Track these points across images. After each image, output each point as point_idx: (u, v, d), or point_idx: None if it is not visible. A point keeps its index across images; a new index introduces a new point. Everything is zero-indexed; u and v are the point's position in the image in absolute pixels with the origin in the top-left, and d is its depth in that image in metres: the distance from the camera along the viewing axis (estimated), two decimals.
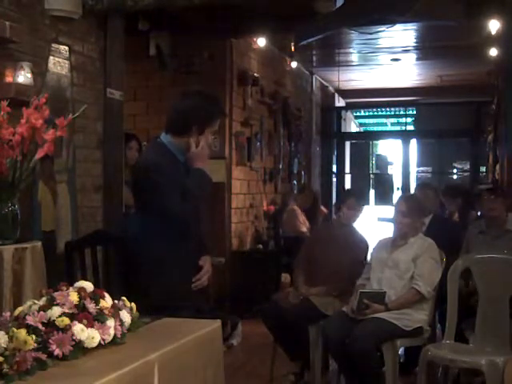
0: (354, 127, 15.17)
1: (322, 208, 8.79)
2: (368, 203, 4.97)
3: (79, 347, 2.12)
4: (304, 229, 7.60)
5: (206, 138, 3.38)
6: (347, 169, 13.43)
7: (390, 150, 16.29)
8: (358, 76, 11.68)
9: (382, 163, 16.29)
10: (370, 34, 8.38)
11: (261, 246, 8.10)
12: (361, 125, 16.01)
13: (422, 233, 4.67)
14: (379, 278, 4.41)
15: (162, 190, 3.27)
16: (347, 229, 5.01)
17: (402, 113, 14.84)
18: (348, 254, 4.76)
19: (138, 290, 3.23)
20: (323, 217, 8.64)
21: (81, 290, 2.30)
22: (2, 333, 2.05)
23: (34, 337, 2.04)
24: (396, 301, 4.26)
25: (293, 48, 8.61)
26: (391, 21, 7.31)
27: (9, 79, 4.04)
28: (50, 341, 2.07)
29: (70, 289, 2.33)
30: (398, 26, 7.96)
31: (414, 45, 9.45)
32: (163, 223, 3.31)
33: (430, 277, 4.29)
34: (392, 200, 13.99)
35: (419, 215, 4.54)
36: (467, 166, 13.47)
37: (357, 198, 5.08)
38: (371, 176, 15.17)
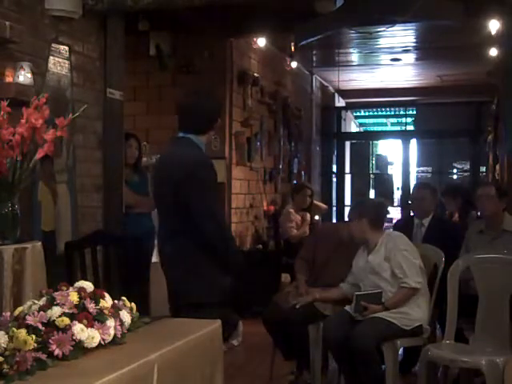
0: (354, 127, 15.16)
1: (319, 203, 8.71)
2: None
3: (79, 347, 2.13)
4: (293, 232, 7.53)
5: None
6: (347, 169, 13.42)
7: (390, 150, 16.27)
8: (357, 76, 11.67)
9: (382, 163, 16.26)
10: (370, 34, 8.38)
11: (261, 246, 8.09)
12: (361, 125, 15.99)
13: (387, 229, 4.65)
14: (364, 285, 4.43)
15: (212, 188, 3.51)
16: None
17: (402, 113, 14.82)
18: (350, 260, 4.73)
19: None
20: (322, 212, 8.57)
21: (81, 290, 2.31)
22: (2, 333, 2.05)
23: (33, 337, 2.04)
24: (392, 299, 4.26)
25: (293, 48, 8.61)
26: (391, 21, 7.31)
27: (9, 79, 4.04)
28: (50, 341, 2.08)
29: (70, 289, 2.34)
30: (398, 26, 7.95)
31: (414, 45, 9.44)
32: (204, 223, 3.42)
33: (410, 268, 4.27)
34: (392, 200, 13.97)
35: (359, 215, 4.49)
36: (467, 166, 13.47)
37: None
38: (371, 176, 15.15)
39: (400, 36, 8.78)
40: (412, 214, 5.77)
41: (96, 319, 2.22)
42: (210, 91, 3.76)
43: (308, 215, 7.72)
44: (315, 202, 8.35)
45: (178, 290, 3.55)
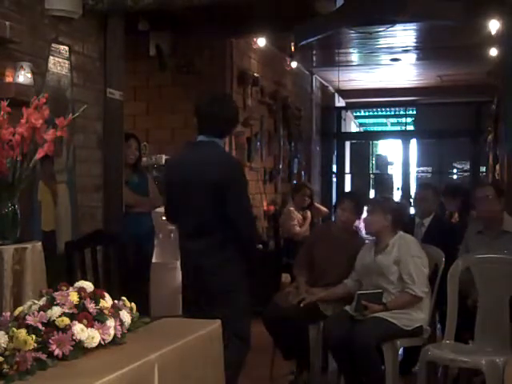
0: (354, 127, 15.16)
1: (321, 207, 8.70)
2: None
3: (79, 347, 2.13)
4: (297, 230, 7.53)
5: None
6: (347, 169, 13.42)
7: (390, 150, 16.27)
8: (358, 76, 11.67)
9: (382, 163, 16.27)
10: (370, 34, 8.38)
11: (261, 246, 8.08)
12: (361, 125, 15.99)
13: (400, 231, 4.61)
14: (366, 283, 4.41)
15: (247, 187, 3.83)
16: (347, 232, 4.98)
17: (401, 113, 14.82)
18: (347, 258, 4.74)
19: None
20: (323, 216, 8.56)
21: (81, 290, 2.31)
22: (2, 333, 2.05)
23: (33, 337, 2.04)
24: (394, 302, 4.25)
25: (293, 48, 8.61)
26: (391, 21, 7.31)
27: (9, 79, 4.04)
28: (50, 341, 2.08)
29: (70, 289, 2.34)
30: (398, 26, 7.96)
31: (414, 45, 9.45)
32: (241, 221, 3.69)
33: (419, 276, 4.26)
34: None
35: (386, 210, 4.45)
36: (467, 166, 13.47)
37: (353, 200, 5.04)
38: (371, 176, 15.16)
39: (400, 36, 8.78)
40: (412, 213, 5.77)
41: (96, 319, 2.22)
42: (228, 95, 4.02)
43: (309, 213, 7.72)
44: (317, 204, 8.34)
45: (210, 281, 3.73)
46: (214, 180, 3.63)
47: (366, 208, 4.67)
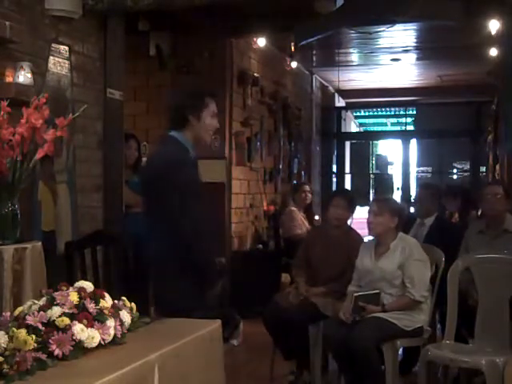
0: (354, 127, 15.17)
1: (316, 217, 8.69)
2: (365, 204, 5.03)
3: (79, 347, 2.13)
4: (298, 230, 7.53)
5: (206, 121, 3.49)
6: (347, 169, 13.43)
7: (390, 150, 16.30)
8: (357, 76, 11.67)
9: (382, 163, 16.30)
10: (370, 34, 8.38)
11: (261, 246, 8.09)
12: (361, 125, 16.01)
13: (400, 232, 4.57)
14: (368, 287, 4.38)
15: (183, 188, 3.30)
16: (342, 229, 4.98)
17: (401, 113, 14.84)
18: (345, 255, 4.74)
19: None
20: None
21: (81, 290, 2.31)
22: (2, 333, 2.05)
23: (33, 337, 2.04)
24: (393, 304, 4.24)
25: (293, 48, 8.61)
26: (391, 21, 7.31)
27: (9, 79, 4.04)
28: (50, 341, 2.07)
29: (70, 289, 2.34)
30: (398, 26, 7.95)
31: (414, 45, 9.45)
32: (179, 223, 3.28)
33: (420, 280, 4.24)
34: None
35: (393, 212, 4.40)
36: (467, 166, 13.48)
37: (345, 196, 5.05)
38: (371, 176, 15.18)
39: (400, 36, 8.78)
40: (412, 213, 5.77)
41: (96, 319, 2.22)
42: (195, 88, 3.83)
43: (310, 215, 7.74)
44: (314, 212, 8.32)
45: (158, 296, 3.50)
46: (153, 180, 3.42)
47: (370, 209, 4.59)
